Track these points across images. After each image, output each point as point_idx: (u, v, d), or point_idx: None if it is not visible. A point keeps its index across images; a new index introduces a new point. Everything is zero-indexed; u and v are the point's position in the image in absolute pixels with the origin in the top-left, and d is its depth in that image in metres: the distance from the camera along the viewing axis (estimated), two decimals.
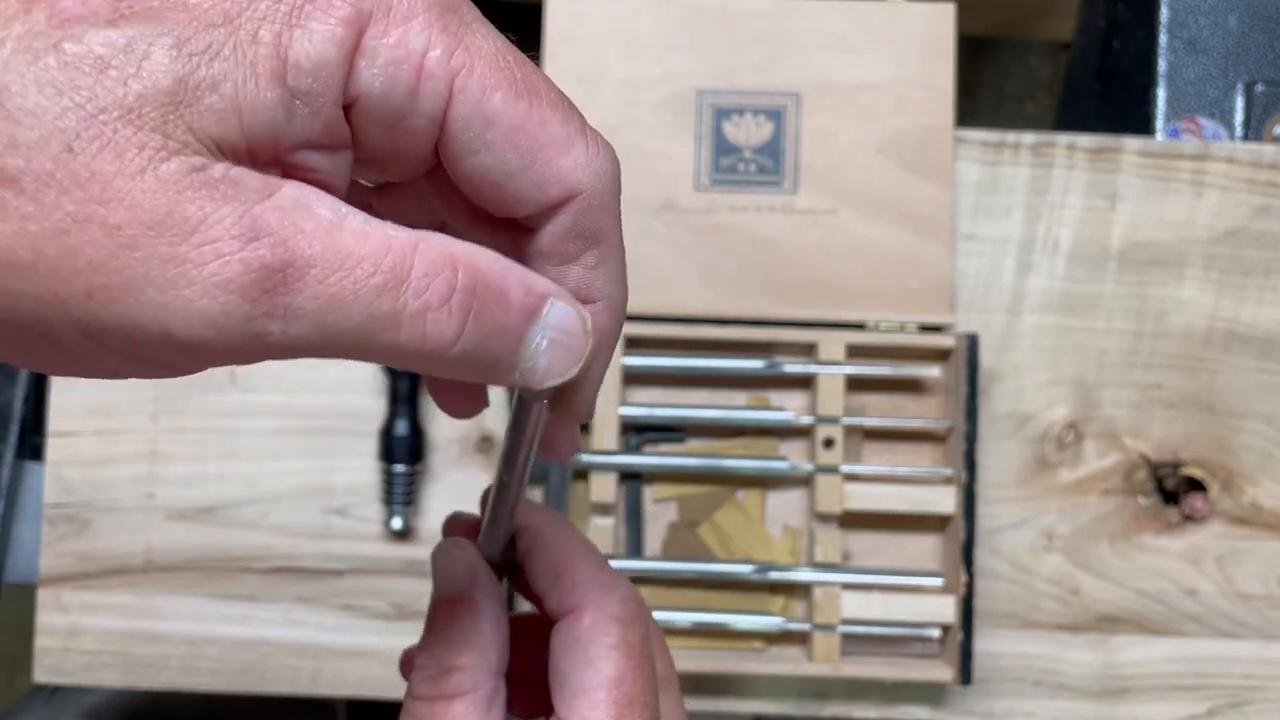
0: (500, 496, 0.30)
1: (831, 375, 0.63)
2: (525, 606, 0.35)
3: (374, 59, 0.21)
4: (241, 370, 0.63)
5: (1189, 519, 0.65)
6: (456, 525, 0.33)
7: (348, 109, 0.21)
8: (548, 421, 0.27)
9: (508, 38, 0.23)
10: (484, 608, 0.29)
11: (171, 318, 0.19)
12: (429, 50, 0.21)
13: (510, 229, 0.25)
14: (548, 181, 0.22)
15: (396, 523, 0.62)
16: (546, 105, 0.22)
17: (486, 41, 0.22)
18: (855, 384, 0.64)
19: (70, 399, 0.64)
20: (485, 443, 0.65)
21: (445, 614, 0.29)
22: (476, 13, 0.22)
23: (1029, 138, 0.66)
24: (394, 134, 0.22)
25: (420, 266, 0.20)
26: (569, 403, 0.27)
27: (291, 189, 0.20)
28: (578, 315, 0.23)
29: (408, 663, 0.33)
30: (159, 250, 0.19)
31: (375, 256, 0.20)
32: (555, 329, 0.23)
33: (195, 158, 0.19)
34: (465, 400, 0.29)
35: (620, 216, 0.24)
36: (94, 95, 0.19)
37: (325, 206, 0.20)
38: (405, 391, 0.63)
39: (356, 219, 0.21)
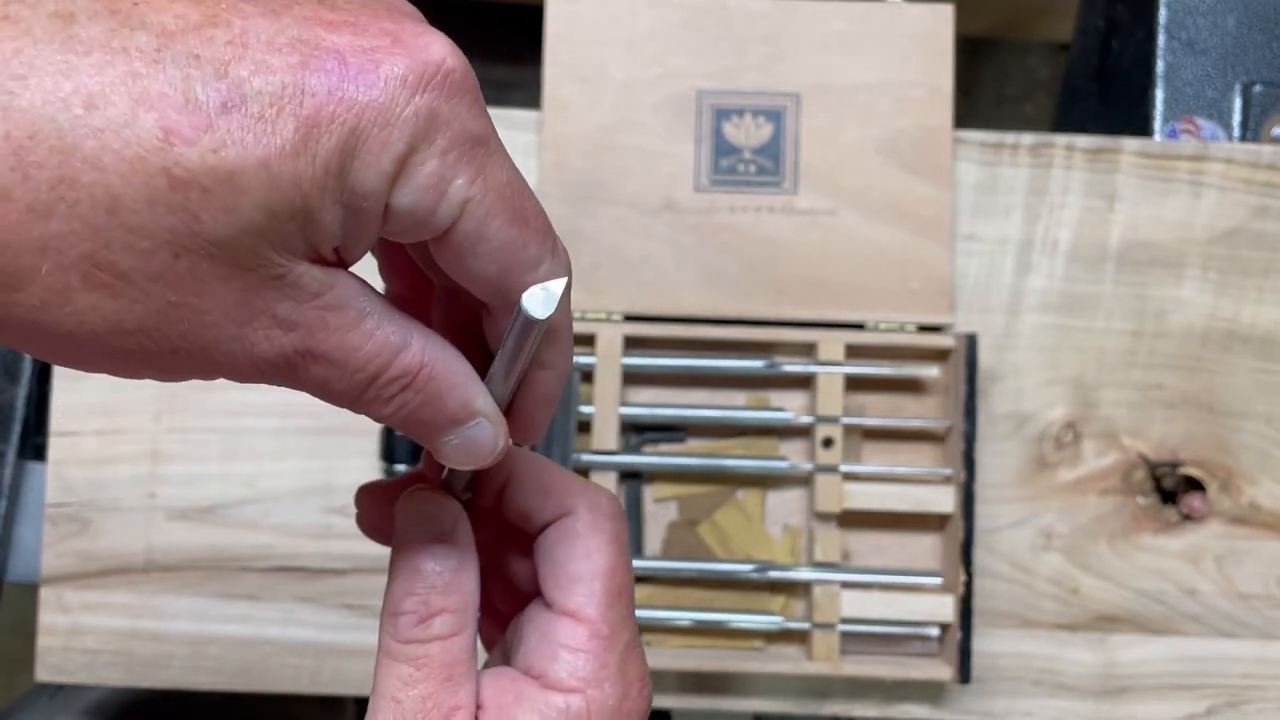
0: None
1: (831, 375, 0.63)
2: None
3: (411, 183, 0.25)
4: None
5: (1188, 519, 0.65)
6: (387, 487, 0.35)
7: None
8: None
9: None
10: (466, 549, 0.31)
11: (227, 366, 0.26)
12: (455, 179, 0.25)
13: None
14: (516, 291, 0.27)
15: None
16: (531, 230, 0.27)
17: (501, 172, 0.26)
18: (855, 384, 0.65)
19: (72, 399, 0.65)
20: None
21: (426, 557, 0.31)
22: (498, 140, 0.27)
23: (1028, 138, 0.67)
24: (407, 232, 0.26)
25: (393, 371, 0.27)
26: (519, 419, 0.31)
27: (340, 289, 0.26)
28: (492, 440, 0.29)
29: (367, 502, 0.36)
30: (229, 330, 0.25)
31: (367, 357, 0.26)
32: (469, 439, 0.29)
33: (272, 267, 0.24)
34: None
35: (570, 310, 0.31)
36: (197, 220, 0.23)
37: (354, 307, 0.26)
38: None
39: (370, 320, 0.26)
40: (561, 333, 0.30)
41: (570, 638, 0.31)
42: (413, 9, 0.27)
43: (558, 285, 0.27)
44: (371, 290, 0.27)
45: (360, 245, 0.26)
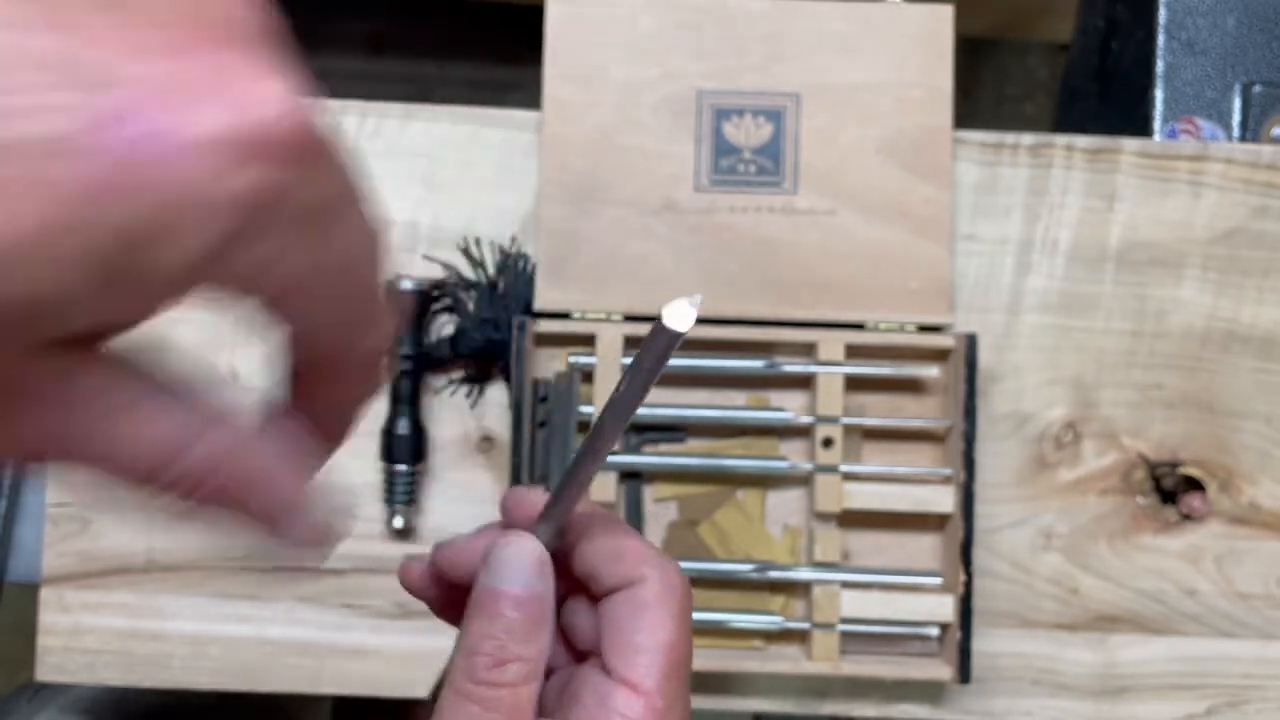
0: (569, 486, 0.32)
1: (831, 375, 0.63)
2: None
3: (222, 272, 0.20)
4: (242, 370, 0.64)
5: (1188, 518, 0.65)
6: (520, 506, 0.35)
7: None
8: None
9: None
10: (548, 601, 0.32)
11: None
12: (279, 263, 0.21)
13: None
14: (352, 352, 0.25)
15: (398, 522, 0.63)
16: (371, 302, 0.24)
17: (341, 243, 0.22)
18: (854, 384, 0.65)
19: None
20: (486, 442, 0.65)
21: (509, 603, 0.31)
22: (353, 190, 0.22)
23: (1028, 138, 0.67)
24: (206, 301, 0.22)
25: (174, 471, 0.23)
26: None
27: (87, 379, 0.21)
28: (304, 532, 0.26)
29: (410, 573, 0.36)
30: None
31: (141, 456, 0.22)
32: (286, 538, 0.26)
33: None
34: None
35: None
36: None
37: (118, 395, 0.21)
38: (407, 391, 0.64)
39: (142, 411, 0.22)
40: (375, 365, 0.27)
41: (627, 707, 0.31)
42: (257, 22, 0.20)
43: (698, 298, 0.26)
44: (142, 374, 0.22)
45: (132, 324, 0.21)
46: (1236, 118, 0.74)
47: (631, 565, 0.33)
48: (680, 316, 0.26)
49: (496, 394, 0.66)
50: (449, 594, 0.35)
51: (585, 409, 0.63)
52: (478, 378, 0.66)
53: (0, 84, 0.16)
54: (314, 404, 0.27)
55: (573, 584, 0.34)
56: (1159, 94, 0.75)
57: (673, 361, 0.64)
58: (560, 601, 0.34)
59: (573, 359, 0.63)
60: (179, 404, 0.22)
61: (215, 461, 0.23)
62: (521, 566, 0.31)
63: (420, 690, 0.64)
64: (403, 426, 0.63)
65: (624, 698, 0.31)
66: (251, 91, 0.18)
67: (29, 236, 0.17)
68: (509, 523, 0.35)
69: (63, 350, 0.20)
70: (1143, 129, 0.74)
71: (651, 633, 0.32)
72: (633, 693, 0.31)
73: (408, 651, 0.64)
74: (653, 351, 0.27)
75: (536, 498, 0.34)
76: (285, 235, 0.20)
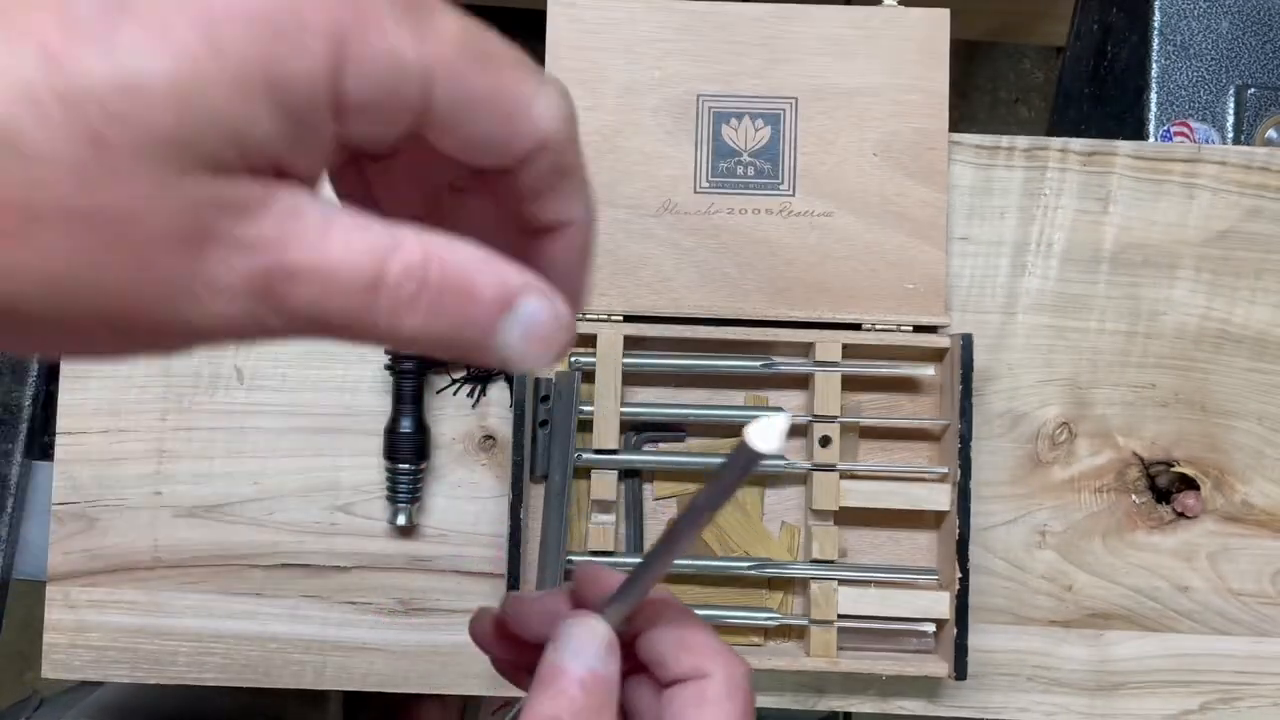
0: (644, 576, 0.33)
1: (828, 375, 0.64)
2: None
3: (358, 68, 0.22)
4: (248, 370, 0.64)
5: (1181, 516, 0.66)
6: (593, 584, 0.36)
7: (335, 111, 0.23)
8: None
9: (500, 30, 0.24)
10: (613, 685, 0.32)
11: (191, 316, 0.22)
12: (405, 50, 0.22)
13: (494, 174, 0.27)
14: (522, 136, 0.25)
15: (401, 520, 0.63)
16: (509, 71, 0.24)
17: (451, 23, 0.23)
18: (851, 383, 0.65)
19: (79, 399, 0.65)
20: (488, 441, 0.66)
21: (575, 682, 0.31)
22: None
23: (1023, 141, 0.67)
24: (377, 126, 0.23)
25: (395, 269, 0.23)
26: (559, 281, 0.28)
27: (287, 196, 0.22)
28: (551, 309, 0.25)
29: (481, 625, 0.36)
30: (177, 269, 0.21)
31: (357, 261, 0.22)
32: (528, 322, 0.25)
33: (201, 179, 0.21)
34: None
35: (579, 143, 0.26)
36: (101, 139, 0.20)
37: (313, 214, 0.22)
38: (410, 390, 0.64)
39: (344, 223, 0.23)
40: (578, 175, 0.27)
41: None
42: None
43: (784, 420, 0.26)
44: (330, 201, 0.24)
45: (312, 154, 0.23)
46: (1230, 120, 0.75)
47: (698, 659, 0.33)
48: (765, 436, 0.26)
49: (498, 393, 0.66)
50: (513, 650, 0.36)
51: (586, 408, 0.63)
52: (480, 377, 0.66)
53: None
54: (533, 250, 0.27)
55: (635, 664, 0.34)
56: (1153, 97, 0.75)
57: (673, 361, 0.65)
58: (623, 678, 0.34)
59: (573, 359, 0.64)
60: (372, 216, 0.23)
61: (426, 256, 0.23)
62: (591, 647, 0.32)
63: (422, 687, 0.65)
64: (406, 425, 0.64)
65: None
66: None
67: (185, 60, 0.20)
68: (580, 600, 0.35)
69: (262, 177, 0.22)
70: (1137, 131, 0.75)
71: None
72: None
73: (411, 648, 0.65)
74: (735, 468, 0.28)
75: (608, 578, 0.35)
76: (388, 21, 0.22)
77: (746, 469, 0.28)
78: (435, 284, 0.23)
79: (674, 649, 0.33)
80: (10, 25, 0.20)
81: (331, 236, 0.22)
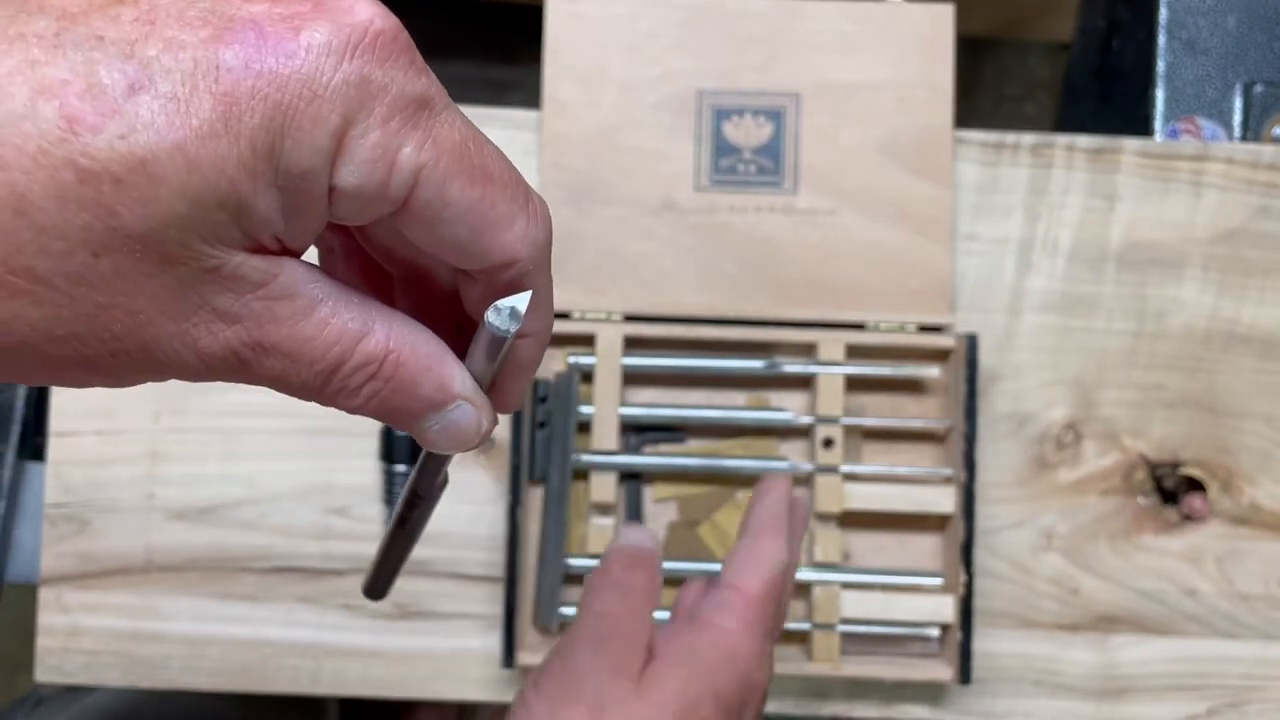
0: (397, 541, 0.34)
1: (831, 375, 0.63)
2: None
3: (355, 158, 0.23)
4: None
5: (1188, 519, 0.65)
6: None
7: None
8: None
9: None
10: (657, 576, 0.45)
11: (174, 366, 0.25)
12: (402, 148, 0.24)
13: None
14: (493, 252, 0.26)
15: None
16: (497, 187, 0.26)
17: (451, 131, 0.25)
18: (855, 384, 0.65)
19: (71, 400, 0.65)
20: (485, 442, 0.65)
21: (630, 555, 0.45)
22: (445, 98, 0.25)
23: (1028, 138, 0.67)
24: (355, 212, 0.25)
25: (355, 360, 0.26)
26: (497, 390, 0.30)
27: (286, 277, 0.24)
28: (474, 420, 0.28)
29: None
30: (168, 328, 0.24)
31: (325, 351, 0.25)
32: (451, 423, 0.28)
33: (204, 259, 0.23)
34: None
35: (549, 268, 0.29)
36: (114, 214, 0.21)
37: (304, 295, 0.25)
38: None
39: (324, 308, 0.25)
40: (540, 296, 0.28)
41: (729, 596, 0.44)
42: None
43: (522, 300, 0.26)
44: (324, 276, 0.25)
45: (306, 231, 0.24)
46: (1238, 117, 0.74)
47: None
48: (505, 319, 0.26)
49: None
50: None
51: (585, 409, 0.63)
52: None
53: (159, 30, 0.22)
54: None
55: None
56: (1160, 94, 0.75)
57: (673, 362, 0.64)
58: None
59: (572, 359, 0.63)
60: (356, 298, 0.26)
61: (386, 352, 0.26)
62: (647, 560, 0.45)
63: (419, 692, 0.64)
64: None
65: (728, 593, 0.43)
66: (341, 7, 0.23)
67: (200, 141, 0.21)
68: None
69: (266, 254, 0.24)
70: (1144, 129, 0.74)
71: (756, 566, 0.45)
72: (735, 591, 0.43)
73: (406, 652, 0.64)
74: (482, 348, 0.28)
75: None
76: (394, 121, 0.23)
77: (493, 352, 0.28)
78: (385, 377, 0.26)
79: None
80: (39, 82, 0.21)
81: (311, 319, 0.25)
